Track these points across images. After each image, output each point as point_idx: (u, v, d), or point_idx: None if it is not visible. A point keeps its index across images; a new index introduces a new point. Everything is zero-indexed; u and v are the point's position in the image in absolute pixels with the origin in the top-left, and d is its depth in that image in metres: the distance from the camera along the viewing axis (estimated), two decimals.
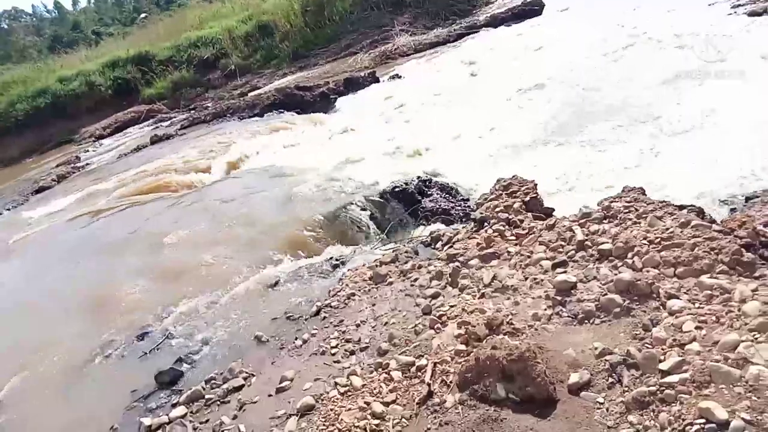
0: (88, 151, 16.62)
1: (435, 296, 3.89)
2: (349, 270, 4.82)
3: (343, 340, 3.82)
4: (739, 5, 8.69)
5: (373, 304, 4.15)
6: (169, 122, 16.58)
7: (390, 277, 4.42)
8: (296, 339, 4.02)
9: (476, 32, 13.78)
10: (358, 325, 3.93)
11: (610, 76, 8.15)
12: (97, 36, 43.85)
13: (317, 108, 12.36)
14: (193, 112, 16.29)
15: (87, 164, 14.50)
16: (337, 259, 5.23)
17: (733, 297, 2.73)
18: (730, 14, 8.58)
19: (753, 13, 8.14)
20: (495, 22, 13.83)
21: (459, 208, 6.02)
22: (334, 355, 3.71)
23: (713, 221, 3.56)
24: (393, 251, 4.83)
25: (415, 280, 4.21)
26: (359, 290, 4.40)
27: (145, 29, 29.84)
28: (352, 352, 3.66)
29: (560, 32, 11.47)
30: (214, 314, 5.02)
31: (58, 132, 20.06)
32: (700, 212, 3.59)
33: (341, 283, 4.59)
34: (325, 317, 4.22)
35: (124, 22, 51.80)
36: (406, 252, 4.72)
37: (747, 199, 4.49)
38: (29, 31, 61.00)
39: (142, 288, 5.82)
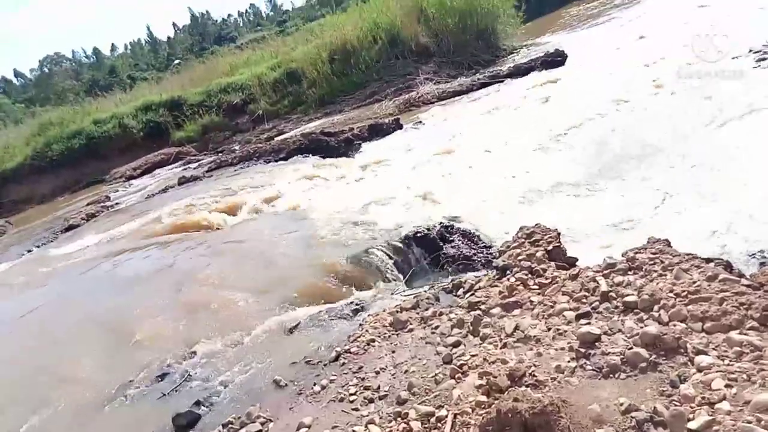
0: (117, 190, 17.05)
1: (456, 345, 3.85)
2: (369, 315, 4.80)
3: (362, 387, 3.78)
4: (764, 59, 8.73)
5: (393, 351, 4.11)
6: (197, 164, 16.99)
7: (410, 324, 4.39)
8: (315, 384, 3.98)
9: (500, 81, 13.99)
10: (377, 373, 3.89)
11: (636, 125, 8.17)
12: (132, 80, 45.70)
13: (341, 153, 12.56)
14: (220, 155, 16.67)
15: (116, 203, 14.85)
16: (357, 304, 5.22)
17: (764, 354, 2.65)
18: (756, 67, 8.61)
19: None
20: (519, 72, 14.05)
21: (481, 255, 5.99)
22: (352, 402, 3.67)
23: (742, 275, 3.49)
24: (414, 297, 4.81)
25: (436, 327, 4.17)
26: (379, 336, 4.37)
27: (178, 75, 30.99)
28: (371, 400, 3.61)
29: (584, 82, 11.61)
30: (234, 356, 5.02)
31: (90, 172, 20.72)
32: (728, 266, 3.53)
33: (361, 329, 4.57)
34: (344, 363, 4.19)
35: (158, 67, 53.99)
36: (427, 298, 4.69)
37: None
38: (69, 75, 63.88)
39: (163, 326, 5.87)
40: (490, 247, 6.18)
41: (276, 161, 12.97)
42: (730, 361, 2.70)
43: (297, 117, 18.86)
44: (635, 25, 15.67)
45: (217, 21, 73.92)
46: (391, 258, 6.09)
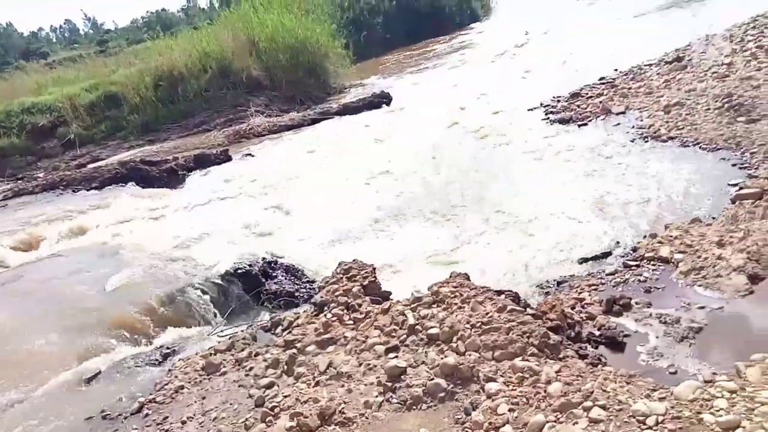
0: None
1: (269, 386, 3.74)
2: (180, 360, 4.50)
3: None
4: (551, 113, 10.09)
5: (203, 398, 3.88)
6: None
7: (224, 367, 4.20)
8: None
9: (329, 118, 14.34)
10: (183, 423, 3.63)
11: (449, 168, 8.87)
12: None
13: (164, 183, 11.83)
14: (20, 182, 14.73)
15: None
16: (168, 348, 4.87)
17: (540, 378, 2.96)
18: (545, 119, 9.92)
19: (562, 121, 9.48)
20: (347, 110, 14.53)
21: (304, 290, 5.98)
22: None
23: (527, 305, 3.90)
24: (229, 338, 4.62)
25: (251, 369, 4.04)
26: (189, 382, 4.10)
27: None
28: None
29: (404, 123, 12.37)
30: (21, 414, 4.37)
31: None
32: (516, 297, 3.91)
33: (170, 375, 4.26)
34: (147, 414, 3.86)
35: None
36: (243, 339, 4.53)
37: (558, 283, 5.00)
38: None
39: None
40: (313, 282, 6.20)
41: (87, 190, 11.77)
42: (514, 386, 2.97)
43: (116, 143, 17.38)
44: (451, 74, 17.17)
45: (23, 34, 66.16)
46: (208, 295, 5.80)
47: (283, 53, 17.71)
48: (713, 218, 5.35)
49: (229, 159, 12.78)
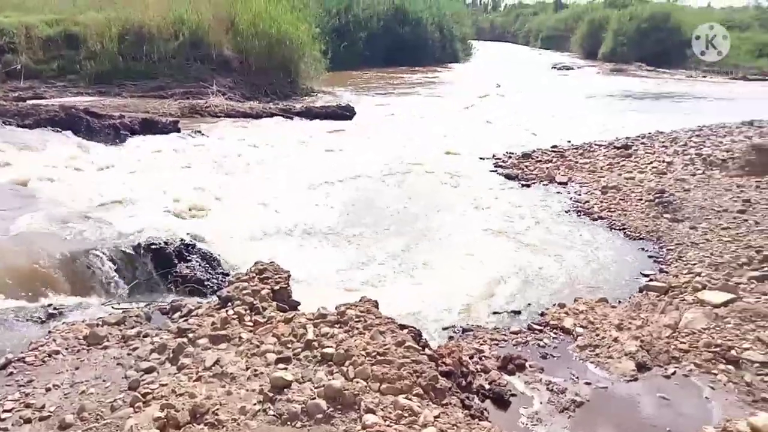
0: None
1: (149, 371, 3.59)
2: (64, 323, 4.26)
3: (22, 404, 3.28)
4: (501, 167, 10.40)
5: (77, 368, 3.68)
6: None
7: (108, 341, 4.01)
8: None
9: (290, 117, 14.23)
10: (48, 390, 3.42)
11: (389, 194, 8.95)
12: None
13: (103, 139, 11.33)
14: None
15: None
16: (56, 309, 4.61)
17: (418, 420, 2.98)
18: (493, 171, 10.22)
19: (508, 177, 9.80)
20: (309, 114, 14.48)
21: (215, 281, 5.83)
22: (4, 420, 3.15)
23: (427, 345, 3.94)
24: (123, 312, 4.42)
25: (135, 349, 3.87)
26: (66, 348, 3.89)
27: None
28: (28, 420, 3.15)
29: (360, 141, 12.45)
30: None
31: None
32: (418, 335, 3.95)
33: (48, 337, 4.03)
34: (12, 373, 3.62)
35: None
36: (137, 316, 4.36)
37: (464, 330, 5.09)
38: None
39: None
40: (228, 274, 6.04)
41: (18, 126, 11.12)
42: (391, 422, 2.97)
43: (63, 86, 16.55)
44: (417, 106, 17.46)
45: None
46: (115, 264, 5.55)
47: (260, 40, 17.48)
48: (619, 302, 5.60)
49: (177, 131, 12.40)
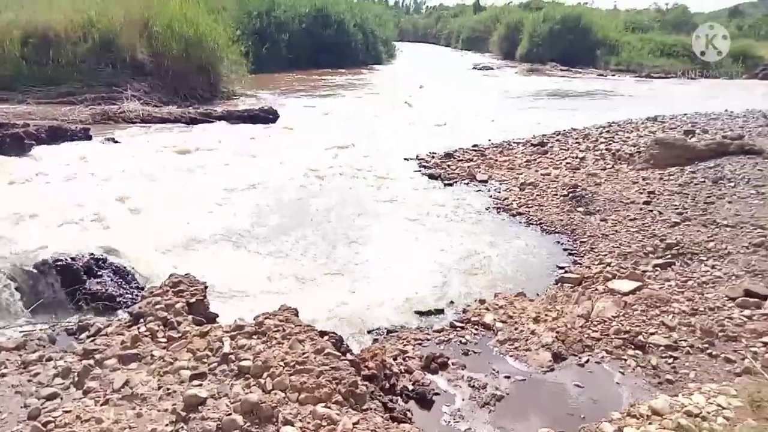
0: None
1: (52, 397, 3.36)
2: None
3: None
4: (424, 167, 10.57)
5: None
6: None
7: (5, 368, 3.72)
8: None
9: (210, 121, 13.80)
10: None
11: (308, 198, 8.86)
12: None
13: (5, 150, 10.56)
14: None
15: None
16: None
17: (336, 428, 2.95)
18: (417, 171, 10.36)
19: (431, 176, 9.97)
20: (230, 117, 14.11)
21: (129, 296, 5.56)
22: None
23: (348, 351, 3.91)
24: (23, 335, 4.13)
25: (36, 374, 3.61)
26: None
27: None
28: None
29: (283, 143, 12.26)
30: None
31: None
32: (339, 341, 3.92)
33: None
34: None
35: None
36: (39, 339, 4.07)
37: (388, 332, 5.11)
38: None
39: None
40: (143, 288, 5.78)
41: None
42: None
43: None
44: (342, 108, 17.40)
45: None
46: (15, 283, 5.18)
47: (176, 42, 16.85)
48: (537, 295, 5.80)
49: (89, 139, 11.76)
